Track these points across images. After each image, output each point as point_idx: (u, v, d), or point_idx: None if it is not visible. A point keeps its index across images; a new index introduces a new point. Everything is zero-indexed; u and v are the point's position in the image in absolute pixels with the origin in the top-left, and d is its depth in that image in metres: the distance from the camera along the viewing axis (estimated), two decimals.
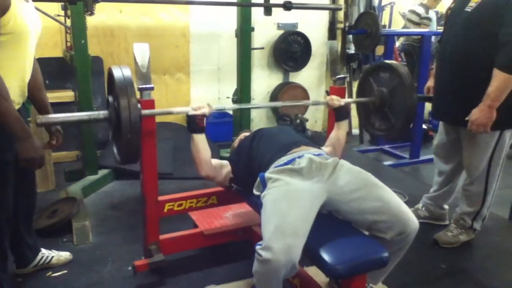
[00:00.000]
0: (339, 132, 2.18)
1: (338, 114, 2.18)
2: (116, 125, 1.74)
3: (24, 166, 1.67)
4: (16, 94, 1.68)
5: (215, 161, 2.03)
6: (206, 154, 1.94)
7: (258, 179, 1.74)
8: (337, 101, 2.16)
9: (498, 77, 2.06)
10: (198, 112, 1.89)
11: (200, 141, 1.93)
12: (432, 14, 5.30)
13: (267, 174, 1.71)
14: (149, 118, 1.88)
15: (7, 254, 1.87)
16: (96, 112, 1.80)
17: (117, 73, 1.72)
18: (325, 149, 2.10)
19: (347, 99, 2.26)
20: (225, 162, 2.09)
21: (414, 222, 1.62)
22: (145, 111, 1.81)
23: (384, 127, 2.42)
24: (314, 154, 1.78)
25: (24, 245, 2.08)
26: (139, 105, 1.74)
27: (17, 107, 1.68)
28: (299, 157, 1.76)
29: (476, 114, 2.15)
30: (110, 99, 1.78)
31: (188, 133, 1.95)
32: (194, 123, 1.90)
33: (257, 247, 1.46)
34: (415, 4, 5.41)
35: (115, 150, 1.90)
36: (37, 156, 1.65)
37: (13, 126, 1.58)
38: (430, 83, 2.65)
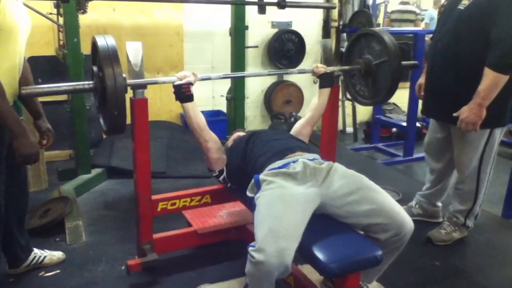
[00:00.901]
0: (320, 99, 2.29)
1: (322, 81, 2.31)
2: (102, 95, 1.72)
3: (21, 163, 1.67)
4: (7, 92, 1.66)
5: (218, 141, 2.04)
6: (199, 119, 1.97)
7: (253, 181, 1.73)
8: (322, 68, 2.30)
9: (488, 76, 2.07)
10: (184, 81, 1.91)
11: (190, 109, 1.95)
12: (433, 12, 5.34)
13: (261, 176, 1.70)
14: (141, 103, 1.87)
15: None
16: (81, 83, 1.79)
17: (101, 42, 1.70)
18: (305, 116, 2.27)
19: (332, 67, 2.37)
20: (224, 150, 2.10)
21: (409, 223, 1.62)
22: (130, 81, 1.81)
23: (367, 94, 2.52)
24: (309, 159, 1.77)
25: (16, 245, 2.07)
26: (124, 75, 1.72)
27: None
28: (294, 161, 1.76)
29: (466, 112, 2.15)
30: (95, 69, 1.76)
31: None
32: (180, 93, 1.91)
33: (250, 248, 1.45)
34: (400, 5, 5.47)
35: (101, 121, 1.89)
36: (34, 151, 1.65)
37: (10, 123, 1.58)
38: (422, 80, 2.64)
